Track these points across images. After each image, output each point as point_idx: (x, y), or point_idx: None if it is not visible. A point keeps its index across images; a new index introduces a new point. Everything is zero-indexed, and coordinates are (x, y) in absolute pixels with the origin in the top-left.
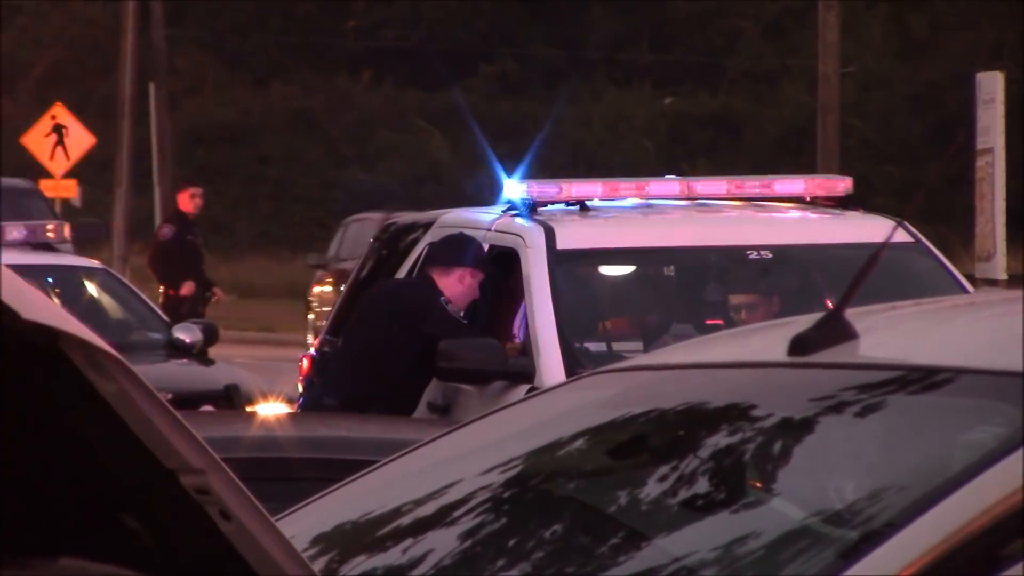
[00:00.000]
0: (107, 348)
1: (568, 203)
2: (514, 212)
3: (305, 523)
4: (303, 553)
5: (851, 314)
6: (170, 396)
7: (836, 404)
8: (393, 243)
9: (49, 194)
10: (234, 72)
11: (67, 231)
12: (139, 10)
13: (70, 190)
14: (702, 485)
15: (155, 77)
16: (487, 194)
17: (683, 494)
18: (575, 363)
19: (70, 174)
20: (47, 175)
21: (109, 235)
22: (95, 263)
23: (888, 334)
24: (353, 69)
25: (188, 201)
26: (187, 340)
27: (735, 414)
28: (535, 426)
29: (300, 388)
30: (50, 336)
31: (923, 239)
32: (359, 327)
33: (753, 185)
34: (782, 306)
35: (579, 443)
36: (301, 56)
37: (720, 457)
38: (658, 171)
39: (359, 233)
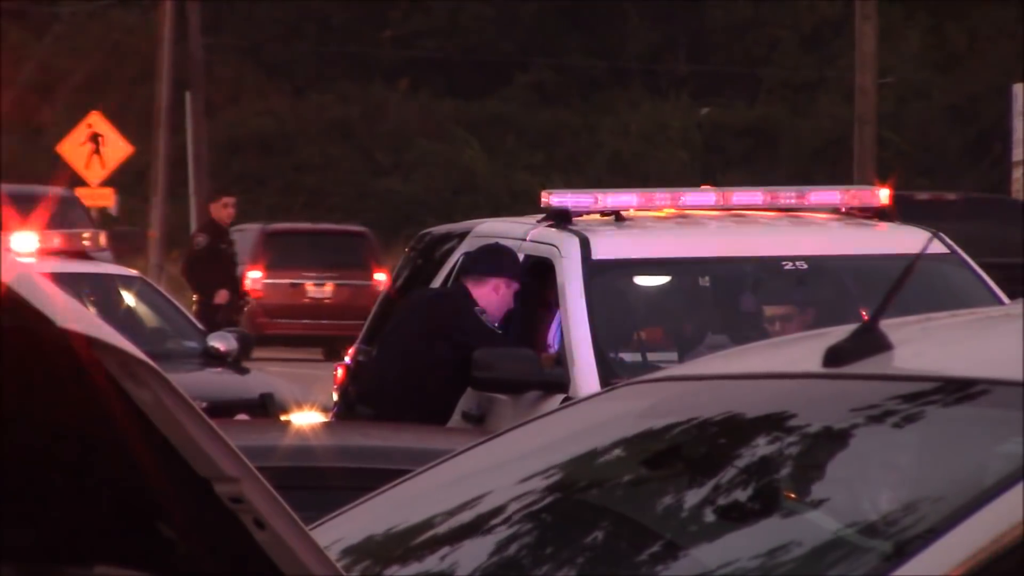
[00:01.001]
0: (142, 356)
1: (603, 213)
2: (549, 222)
3: (339, 532)
4: (337, 563)
5: (886, 325)
6: (205, 405)
7: (871, 415)
8: (428, 253)
9: (86, 203)
10: (271, 81)
11: (103, 240)
12: (176, 19)
13: (107, 199)
14: (738, 496)
15: (192, 86)
16: (523, 204)
17: (719, 505)
18: (610, 373)
19: (107, 183)
20: (82, 183)
21: (146, 244)
22: (131, 272)
23: (923, 345)
24: (390, 78)
25: (221, 210)
26: (222, 349)
27: (770, 425)
28: (570, 436)
29: (335, 397)
30: (86, 344)
31: (959, 250)
32: (394, 336)
33: (789, 196)
34: (817, 317)
35: (614, 453)
36: (338, 65)
37: (755, 468)
38: (694, 181)
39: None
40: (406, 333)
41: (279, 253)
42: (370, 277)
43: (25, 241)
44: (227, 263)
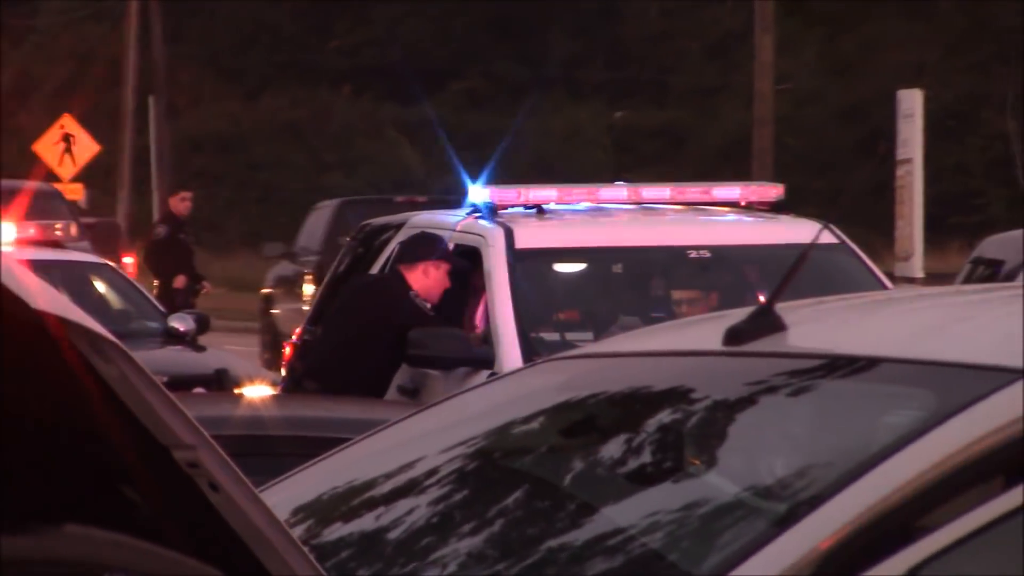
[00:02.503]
0: (108, 335)
1: (526, 206)
2: (477, 214)
3: (286, 494)
4: (284, 521)
5: (781, 308)
6: (165, 379)
7: (767, 389)
8: (368, 242)
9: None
10: (227, 86)
11: (74, 230)
12: (141, 30)
13: (77, 193)
14: (645, 461)
15: (155, 91)
16: (453, 198)
17: (628, 469)
18: (531, 351)
19: (77, 178)
20: (56, 179)
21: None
22: (99, 259)
23: (814, 326)
24: (335, 84)
25: (179, 204)
26: (181, 329)
27: (675, 397)
28: (495, 407)
29: (283, 372)
30: (58, 324)
31: (847, 240)
32: (337, 318)
33: (694, 191)
34: (719, 300)
35: (534, 423)
36: (289, 72)
37: (662, 436)
38: (608, 178)
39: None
40: (348, 315)
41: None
42: None
43: (3, 231)
44: (185, 251)
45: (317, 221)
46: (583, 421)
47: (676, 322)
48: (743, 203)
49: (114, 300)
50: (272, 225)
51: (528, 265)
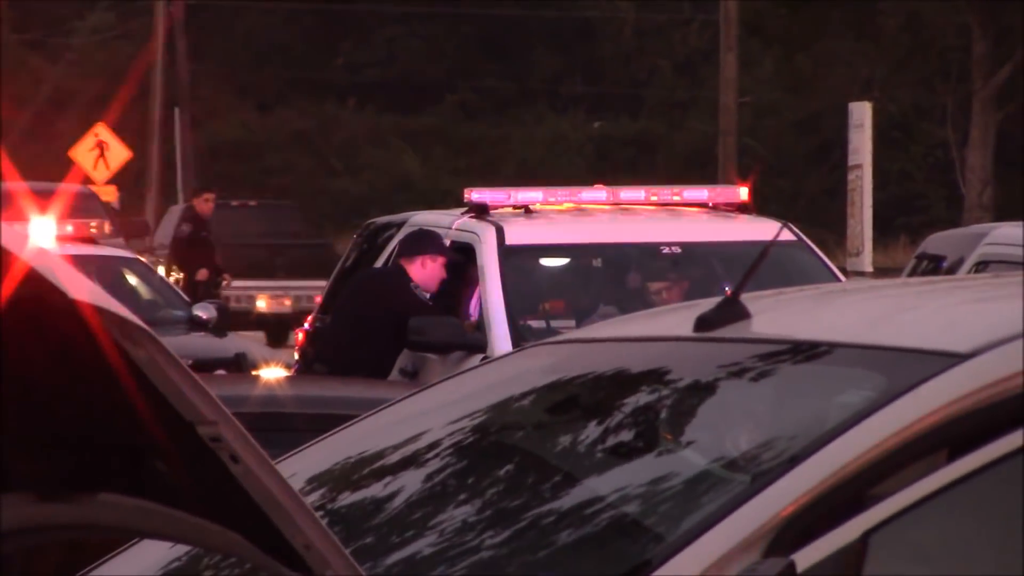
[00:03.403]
0: (139, 322)
1: (514, 207)
2: (471, 214)
3: (300, 466)
4: (299, 490)
5: (746, 298)
6: (190, 362)
7: (733, 371)
8: (372, 239)
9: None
10: (244, 99)
11: (108, 228)
12: (167, 49)
13: (111, 195)
14: (624, 437)
15: (180, 103)
16: (449, 200)
17: (608, 444)
18: (520, 337)
19: (110, 181)
20: (91, 182)
21: (148, 231)
22: (131, 254)
23: (776, 314)
24: (341, 97)
25: (203, 204)
26: (204, 317)
27: (651, 379)
28: (488, 388)
29: (296, 356)
30: (92, 312)
31: (804, 238)
32: (344, 307)
33: (666, 193)
34: (689, 291)
35: (523, 402)
36: (299, 87)
37: (638, 414)
38: (588, 181)
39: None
40: (354, 305)
41: None
42: None
43: (42, 228)
44: (207, 247)
45: (168, 221)
46: (568, 400)
47: (651, 311)
48: (710, 204)
49: (144, 291)
50: None
51: (517, 260)
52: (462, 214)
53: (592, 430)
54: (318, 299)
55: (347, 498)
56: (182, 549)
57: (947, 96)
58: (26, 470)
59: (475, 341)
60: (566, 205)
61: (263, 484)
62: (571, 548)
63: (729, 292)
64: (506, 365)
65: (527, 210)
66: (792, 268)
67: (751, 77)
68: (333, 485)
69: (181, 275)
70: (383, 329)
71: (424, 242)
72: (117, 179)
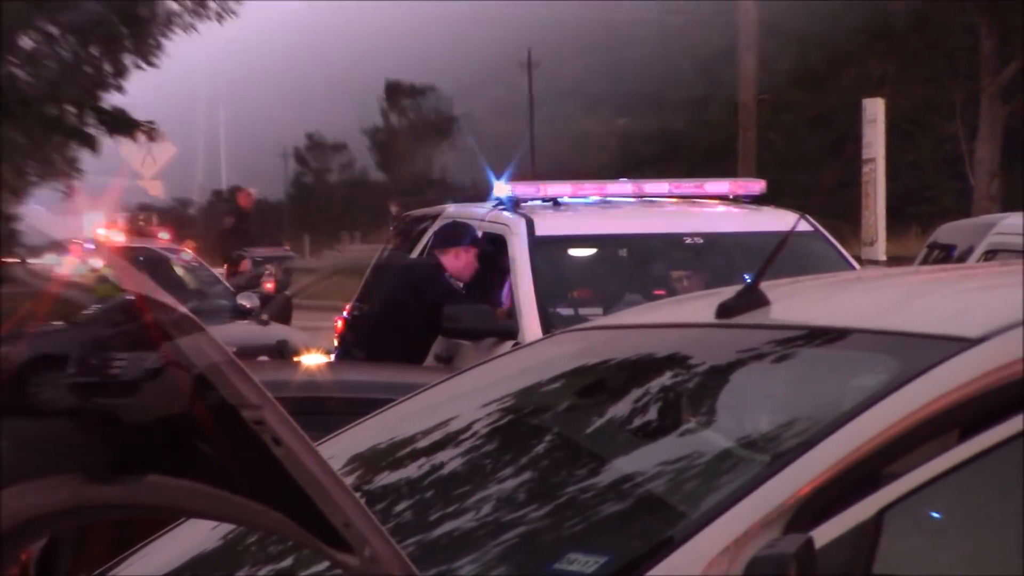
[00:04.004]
0: (187, 312)
1: (544, 199)
2: (502, 206)
3: (340, 447)
4: (338, 471)
5: (765, 286)
6: (234, 349)
7: (753, 356)
8: (408, 230)
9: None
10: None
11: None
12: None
13: (157, 189)
14: (648, 418)
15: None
16: (482, 193)
17: (634, 425)
18: (550, 324)
19: (156, 176)
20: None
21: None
22: (178, 246)
23: (794, 302)
24: None
25: (245, 198)
26: (248, 306)
27: (674, 364)
28: (519, 372)
29: (335, 343)
30: (144, 303)
31: (821, 228)
32: (381, 295)
33: (688, 186)
34: (710, 280)
35: (553, 386)
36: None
37: (663, 397)
38: (614, 176)
39: None
40: (391, 293)
41: None
42: None
43: (95, 221)
44: (249, 239)
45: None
46: (595, 384)
47: (674, 299)
48: (731, 196)
49: (190, 281)
50: (328, 218)
51: (546, 250)
52: (493, 206)
53: (618, 412)
54: None
55: (385, 478)
56: (226, 527)
57: (956, 92)
58: (81, 454)
59: (507, 328)
60: (593, 198)
61: (304, 465)
62: (598, 525)
63: (749, 281)
64: (536, 351)
65: (556, 202)
66: (809, 257)
67: (769, 75)
68: (371, 465)
69: (225, 266)
70: (419, 317)
71: (456, 234)
72: (163, 175)
